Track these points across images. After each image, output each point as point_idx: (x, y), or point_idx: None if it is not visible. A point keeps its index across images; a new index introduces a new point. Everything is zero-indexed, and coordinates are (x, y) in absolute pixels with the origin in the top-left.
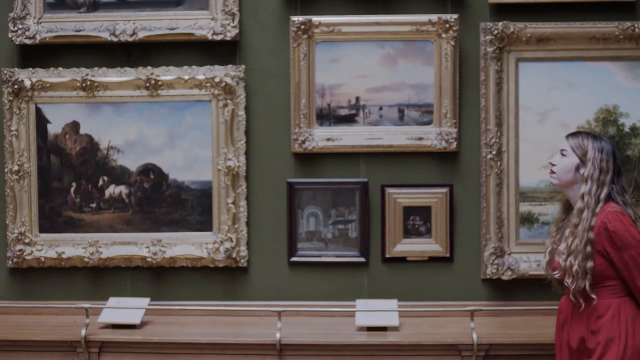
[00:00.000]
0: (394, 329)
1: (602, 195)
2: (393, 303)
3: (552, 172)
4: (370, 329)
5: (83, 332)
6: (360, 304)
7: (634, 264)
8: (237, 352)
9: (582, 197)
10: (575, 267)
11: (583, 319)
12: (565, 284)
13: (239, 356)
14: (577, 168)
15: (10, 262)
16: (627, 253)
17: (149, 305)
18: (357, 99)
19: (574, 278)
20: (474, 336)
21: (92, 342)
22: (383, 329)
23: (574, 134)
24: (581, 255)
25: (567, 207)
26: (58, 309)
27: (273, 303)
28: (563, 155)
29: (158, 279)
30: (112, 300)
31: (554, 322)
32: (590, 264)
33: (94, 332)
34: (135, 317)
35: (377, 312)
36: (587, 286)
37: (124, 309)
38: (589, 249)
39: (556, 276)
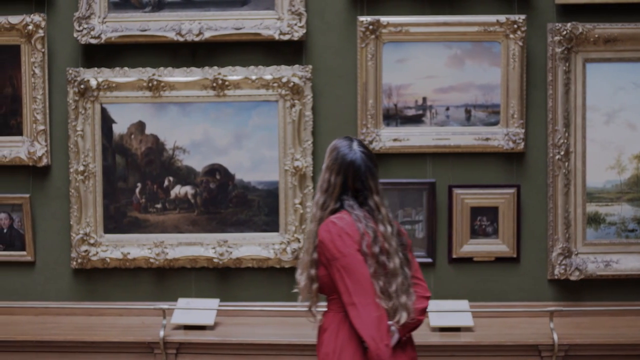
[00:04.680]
0: (468, 329)
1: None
2: (464, 303)
3: None
4: (442, 329)
5: (161, 333)
6: (432, 304)
7: (339, 277)
8: (314, 353)
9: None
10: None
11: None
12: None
13: (302, 357)
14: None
15: (74, 262)
16: (334, 265)
17: (218, 306)
18: (424, 99)
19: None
20: (555, 337)
21: (170, 344)
22: (456, 329)
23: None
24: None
25: None
26: (122, 310)
27: None
28: None
29: (224, 279)
30: (182, 301)
31: (624, 323)
32: (314, 271)
33: (169, 333)
34: (208, 318)
35: (451, 312)
36: (313, 297)
37: (195, 310)
38: (315, 256)
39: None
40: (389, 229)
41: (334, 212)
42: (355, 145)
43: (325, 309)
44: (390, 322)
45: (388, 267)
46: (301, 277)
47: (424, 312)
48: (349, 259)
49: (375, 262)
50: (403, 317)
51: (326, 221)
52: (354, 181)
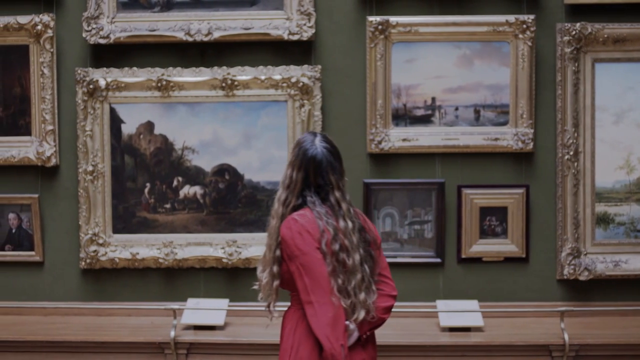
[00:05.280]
0: (478, 329)
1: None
2: (474, 304)
3: None
4: (452, 329)
5: (172, 333)
6: (441, 304)
7: (298, 274)
8: None
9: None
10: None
11: None
12: None
13: None
14: None
15: (83, 263)
16: (293, 263)
17: (228, 306)
18: (433, 99)
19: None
20: (566, 337)
21: (181, 344)
22: (466, 329)
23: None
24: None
25: None
26: (131, 310)
27: None
28: None
29: (233, 280)
30: (192, 302)
31: (634, 323)
32: (276, 268)
33: (180, 333)
34: (218, 318)
35: (461, 312)
36: (273, 295)
37: (205, 310)
38: (277, 253)
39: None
40: (350, 224)
41: (295, 208)
42: (318, 140)
43: (285, 308)
44: (348, 322)
45: (347, 264)
46: (263, 275)
47: (388, 310)
48: (308, 257)
49: (335, 260)
50: (361, 314)
51: (288, 218)
52: (315, 177)
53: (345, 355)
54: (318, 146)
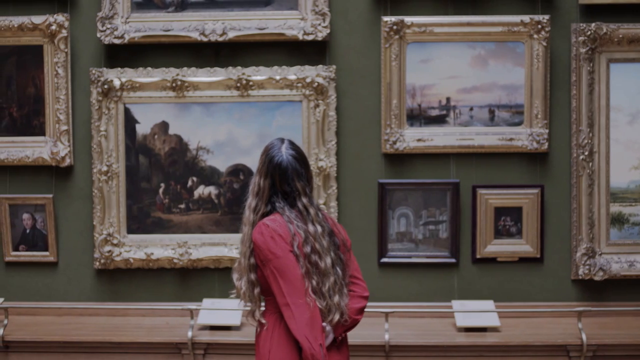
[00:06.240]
0: (494, 329)
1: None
2: (489, 304)
3: None
4: (468, 329)
5: (189, 333)
6: (457, 304)
7: (272, 278)
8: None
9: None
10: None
11: None
12: None
13: None
14: None
15: (97, 263)
16: (267, 267)
17: (244, 306)
18: (448, 99)
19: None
20: (584, 337)
21: (198, 344)
22: (482, 329)
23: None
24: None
25: None
26: (145, 310)
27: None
28: None
29: None
30: (207, 302)
31: None
32: (253, 275)
33: (197, 333)
34: (234, 319)
35: (477, 312)
36: (256, 302)
37: (221, 310)
38: (252, 260)
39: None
40: (319, 228)
41: (265, 214)
42: (284, 147)
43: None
44: (324, 324)
45: (320, 266)
46: (240, 282)
47: (361, 311)
48: (281, 260)
49: (308, 262)
50: (336, 317)
51: (259, 224)
52: (281, 184)
53: (325, 355)
54: (284, 153)
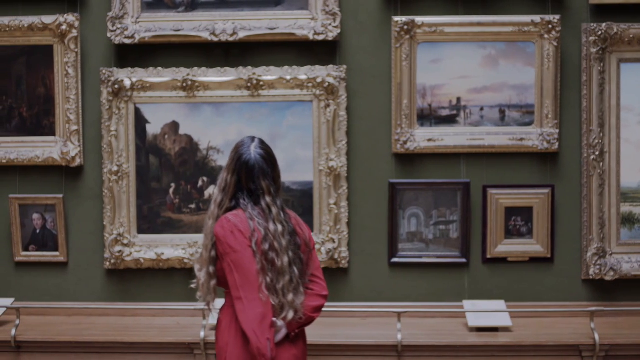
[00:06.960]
0: (505, 329)
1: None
2: (501, 304)
3: None
4: (480, 329)
5: (202, 333)
6: (468, 304)
7: (229, 271)
8: (356, 353)
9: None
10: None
11: None
12: None
13: (358, 357)
14: None
15: (107, 263)
16: (225, 260)
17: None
18: (458, 99)
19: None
20: (596, 337)
21: (210, 344)
22: (494, 329)
23: None
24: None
25: None
26: (156, 310)
27: (376, 304)
28: None
29: None
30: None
31: None
32: (212, 268)
33: (208, 333)
34: None
35: (489, 312)
36: (212, 294)
37: None
38: (213, 253)
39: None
40: (280, 228)
41: (229, 210)
42: (253, 146)
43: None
44: (275, 319)
45: (276, 264)
46: (200, 274)
47: (318, 309)
48: (239, 254)
49: (264, 259)
50: (290, 314)
51: (221, 218)
52: (247, 181)
53: (272, 349)
54: (252, 152)
